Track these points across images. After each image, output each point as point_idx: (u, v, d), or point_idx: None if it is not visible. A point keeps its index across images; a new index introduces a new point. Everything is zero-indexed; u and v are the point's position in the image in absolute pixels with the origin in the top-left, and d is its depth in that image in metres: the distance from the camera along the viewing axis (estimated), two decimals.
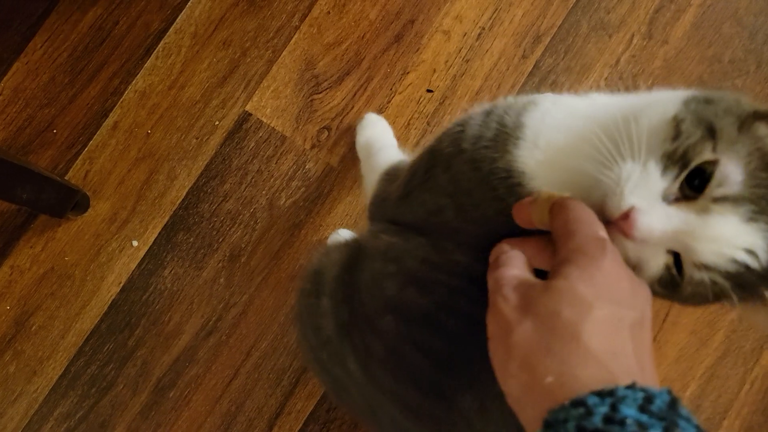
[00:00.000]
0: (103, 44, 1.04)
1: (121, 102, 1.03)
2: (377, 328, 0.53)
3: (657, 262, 0.40)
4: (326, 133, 1.03)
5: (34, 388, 0.99)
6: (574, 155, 0.43)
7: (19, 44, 1.04)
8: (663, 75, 1.07)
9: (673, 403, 0.31)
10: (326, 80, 1.04)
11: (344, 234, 0.98)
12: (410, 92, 1.04)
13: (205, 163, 1.02)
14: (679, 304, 0.43)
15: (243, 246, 1.01)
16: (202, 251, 1.01)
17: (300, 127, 1.03)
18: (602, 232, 0.38)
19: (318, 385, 1.00)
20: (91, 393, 0.99)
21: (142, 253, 1.01)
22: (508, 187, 0.46)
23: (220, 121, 1.03)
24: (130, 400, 0.99)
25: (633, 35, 1.07)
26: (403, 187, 0.58)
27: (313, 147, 1.03)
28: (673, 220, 0.38)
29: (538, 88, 1.05)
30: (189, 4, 1.04)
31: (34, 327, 1.00)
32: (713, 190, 0.37)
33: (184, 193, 1.02)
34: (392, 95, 1.04)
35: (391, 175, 0.69)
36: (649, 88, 1.06)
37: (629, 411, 0.30)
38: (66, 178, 1.01)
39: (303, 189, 1.02)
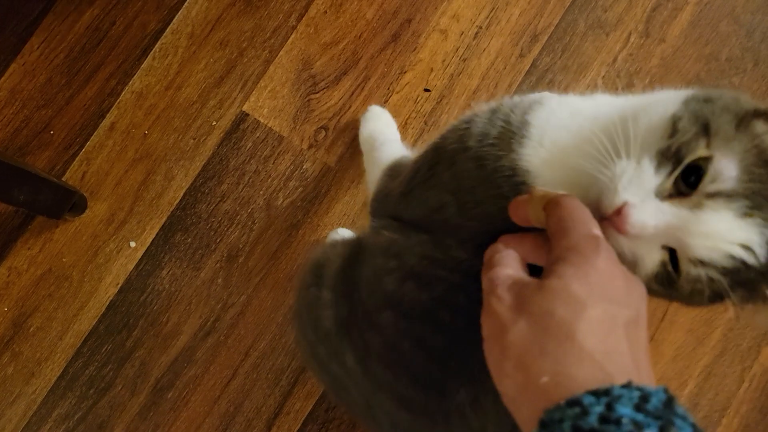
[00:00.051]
0: (99, 45, 1.04)
1: (118, 103, 1.03)
2: (376, 323, 0.54)
3: (652, 259, 0.40)
4: (323, 132, 1.03)
5: (32, 389, 0.99)
6: (576, 154, 0.43)
7: (15, 45, 1.04)
8: (660, 73, 1.07)
9: (669, 401, 0.31)
10: (323, 80, 1.04)
11: (343, 233, 0.98)
12: (407, 91, 1.04)
13: (203, 163, 1.02)
14: (681, 304, 0.43)
15: (241, 246, 1.01)
16: (199, 252, 1.01)
17: (297, 127, 1.03)
18: (596, 230, 0.38)
19: (316, 385, 1.00)
20: (89, 394, 0.99)
21: (139, 254, 1.01)
22: (513, 185, 0.46)
23: (217, 122, 1.03)
24: (129, 400, 0.99)
25: (630, 34, 1.07)
26: (406, 184, 0.58)
27: (310, 147, 1.03)
28: (666, 216, 0.38)
29: (535, 87, 1.05)
30: (186, 4, 1.04)
31: (32, 328, 1.00)
32: (706, 185, 0.37)
33: (182, 194, 1.02)
34: (389, 95, 1.04)
35: (394, 170, 0.69)
36: (647, 86, 1.07)
37: (625, 410, 0.30)
38: (63, 179, 1.01)
39: (300, 189, 1.02)
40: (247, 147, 1.03)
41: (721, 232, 0.37)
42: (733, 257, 0.37)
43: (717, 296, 0.39)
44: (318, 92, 1.04)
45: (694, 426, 0.30)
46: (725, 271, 0.38)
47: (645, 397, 0.30)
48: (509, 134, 0.48)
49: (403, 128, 1.04)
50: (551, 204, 0.39)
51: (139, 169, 1.02)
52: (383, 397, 0.55)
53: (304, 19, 1.05)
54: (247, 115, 1.03)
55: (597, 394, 0.31)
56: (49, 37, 1.04)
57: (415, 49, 1.05)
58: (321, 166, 1.03)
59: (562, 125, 0.47)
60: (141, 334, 1.00)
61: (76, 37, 1.04)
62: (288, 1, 1.05)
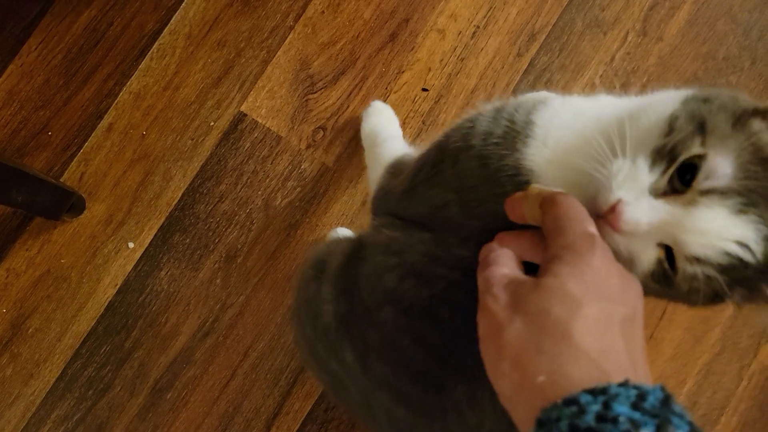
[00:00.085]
0: (97, 46, 1.04)
1: (116, 104, 1.03)
2: (376, 320, 0.54)
3: (648, 257, 0.40)
4: (321, 132, 1.03)
5: (31, 390, 0.99)
6: (577, 154, 0.44)
7: (13, 46, 1.03)
8: (658, 72, 1.07)
9: (667, 399, 0.31)
10: (321, 80, 1.04)
11: (342, 232, 0.98)
12: (405, 91, 1.04)
13: (201, 164, 1.02)
14: (683, 304, 0.43)
15: (239, 247, 1.01)
16: (198, 252, 1.01)
17: (295, 127, 1.03)
18: (592, 228, 0.38)
19: (315, 385, 1.00)
20: (88, 395, 0.99)
21: (138, 255, 1.01)
22: (516, 184, 0.46)
23: (215, 122, 1.03)
24: (128, 401, 0.99)
25: (628, 32, 1.07)
26: (408, 181, 0.58)
27: (308, 147, 1.03)
28: (659, 213, 0.38)
29: (533, 87, 1.05)
30: (183, 5, 1.04)
31: (30, 330, 1.00)
32: (700, 183, 0.38)
33: (180, 195, 1.02)
34: (387, 94, 1.04)
35: (397, 168, 0.69)
36: (644, 85, 1.07)
37: (622, 409, 0.30)
38: (61, 180, 1.01)
39: (299, 189, 1.02)
40: (245, 147, 1.03)
41: (714, 229, 0.37)
42: (729, 254, 0.37)
43: (717, 296, 0.39)
44: (316, 92, 1.04)
45: (691, 424, 0.30)
46: (722, 269, 0.38)
47: (642, 395, 0.30)
48: (513, 133, 0.48)
49: (401, 128, 1.04)
50: (547, 202, 0.39)
51: (137, 170, 1.02)
52: (382, 393, 0.55)
53: (301, 19, 1.05)
54: (245, 115, 1.03)
55: (594, 392, 0.31)
56: (46, 38, 1.04)
57: (412, 49, 1.05)
58: (319, 166, 1.03)
59: (566, 125, 0.47)
60: (140, 334, 1.00)
61: (74, 38, 1.04)
62: (285, 2, 1.05)
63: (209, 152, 1.03)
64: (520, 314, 0.35)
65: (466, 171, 0.50)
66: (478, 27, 1.06)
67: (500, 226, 0.44)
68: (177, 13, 1.04)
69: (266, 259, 1.01)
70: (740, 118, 0.40)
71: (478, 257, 0.42)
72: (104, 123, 1.03)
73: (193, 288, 1.01)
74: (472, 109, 0.57)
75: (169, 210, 1.02)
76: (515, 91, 1.05)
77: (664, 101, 0.43)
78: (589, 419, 0.29)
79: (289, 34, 1.05)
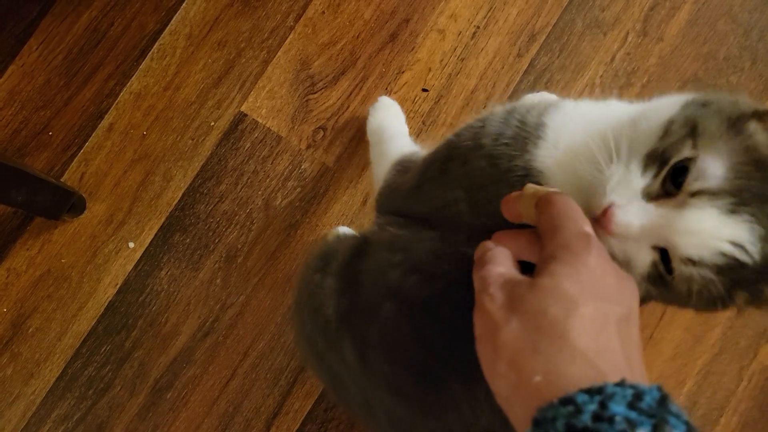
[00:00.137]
0: (98, 46, 1.04)
1: (117, 104, 1.03)
2: (377, 315, 0.54)
3: (643, 259, 0.40)
4: (322, 133, 1.03)
5: (31, 390, 0.99)
6: (582, 158, 0.44)
7: (14, 47, 1.04)
8: (658, 72, 1.07)
9: (663, 399, 0.31)
10: (321, 80, 1.04)
11: (344, 231, 0.98)
12: (405, 91, 1.04)
13: (201, 164, 1.03)
14: (691, 310, 0.43)
15: (239, 247, 1.02)
16: (198, 252, 1.01)
17: (295, 128, 1.03)
18: (588, 228, 0.38)
19: (315, 384, 1.00)
20: (88, 395, 0.99)
21: (138, 255, 1.01)
22: None
23: (215, 122, 1.03)
24: (128, 401, 0.99)
25: (628, 33, 1.07)
26: (417, 178, 0.59)
27: (308, 147, 1.03)
28: (650, 215, 0.39)
29: (533, 87, 1.05)
30: (183, 5, 1.04)
31: (30, 329, 1.00)
32: (690, 184, 0.38)
33: (180, 194, 1.02)
34: (388, 94, 1.04)
35: (403, 166, 0.70)
36: (645, 85, 1.07)
37: (618, 408, 0.30)
38: (62, 180, 1.01)
39: (299, 189, 1.03)
40: (246, 147, 1.03)
41: (705, 229, 0.37)
42: (724, 255, 0.37)
43: (721, 300, 0.39)
44: (316, 92, 1.04)
45: (687, 424, 0.30)
46: (719, 270, 0.38)
47: (638, 395, 0.30)
48: (524, 135, 0.49)
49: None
50: (542, 201, 0.39)
51: (137, 170, 1.02)
52: (380, 389, 0.55)
53: (301, 19, 1.05)
54: (246, 115, 1.03)
55: (590, 392, 0.31)
56: (47, 39, 1.04)
57: (413, 49, 1.05)
58: (319, 166, 1.03)
59: (576, 129, 0.48)
60: (140, 334, 1.00)
61: (75, 38, 1.04)
62: (286, 2, 1.05)
63: (209, 152, 1.03)
64: (517, 314, 0.35)
65: (475, 170, 0.51)
66: (479, 27, 1.06)
67: (508, 225, 0.44)
68: (177, 14, 1.04)
69: (266, 259, 1.01)
70: (738, 121, 0.40)
71: (474, 256, 0.42)
72: (105, 123, 1.03)
73: (193, 288, 1.01)
74: (481, 111, 0.58)
75: (170, 210, 1.02)
76: (515, 92, 1.05)
77: (665, 106, 0.44)
78: (586, 419, 0.29)
79: (289, 34, 1.05)
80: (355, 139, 1.03)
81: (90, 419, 0.99)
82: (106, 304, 1.00)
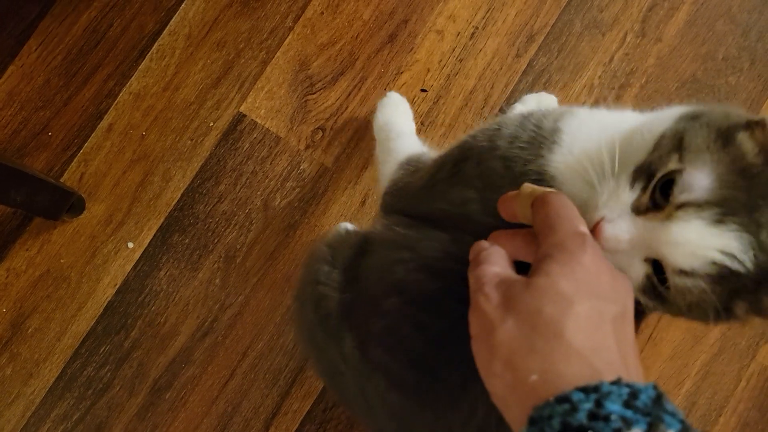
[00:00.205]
0: (97, 47, 1.04)
1: (116, 104, 1.03)
2: (380, 308, 0.55)
3: (636, 272, 0.41)
4: (321, 133, 1.03)
5: (30, 390, 0.99)
6: (588, 168, 0.45)
7: (13, 47, 1.04)
8: (657, 73, 1.07)
9: (659, 398, 0.31)
10: (320, 81, 1.04)
11: (347, 227, 0.98)
12: (404, 92, 1.04)
13: (200, 164, 1.03)
14: (698, 322, 0.43)
15: (238, 247, 1.02)
16: (197, 252, 1.01)
17: (294, 128, 1.04)
18: (582, 227, 0.38)
19: (314, 385, 1.00)
20: (87, 395, 0.99)
21: (137, 255, 1.01)
22: None
23: (214, 123, 1.03)
24: (127, 401, 0.99)
25: (626, 33, 1.07)
26: (428, 178, 0.59)
27: (307, 147, 1.03)
28: (639, 229, 0.39)
29: (531, 88, 1.05)
30: (183, 5, 1.05)
31: (30, 329, 1.00)
32: (676, 197, 0.39)
33: (179, 195, 1.02)
34: (384, 96, 1.04)
35: (412, 165, 0.70)
36: (643, 86, 1.07)
37: (614, 407, 0.30)
38: (61, 180, 1.02)
39: (298, 190, 1.03)
40: (245, 148, 1.03)
41: (691, 240, 0.38)
42: (715, 264, 0.37)
43: (720, 311, 0.39)
44: (315, 93, 1.04)
45: (683, 422, 0.30)
46: (713, 280, 0.38)
47: (634, 393, 0.31)
48: (540, 139, 0.50)
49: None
50: (538, 201, 0.40)
51: (136, 170, 1.02)
52: (378, 377, 0.56)
53: (300, 20, 1.05)
54: (245, 116, 1.04)
55: (586, 390, 0.31)
56: (46, 39, 1.04)
57: (411, 50, 1.05)
58: (318, 166, 1.03)
59: (590, 137, 0.48)
60: (139, 334, 1.00)
61: (74, 39, 1.04)
62: (285, 2, 1.05)
63: (208, 153, 1.03)
64: (512, 314, 0.35)
65: (489, 171, 0.51)
66: (477, 28, 1.06)
67: (518, 227, 0.45)
68: (176, 14, 1.05)
69: (265, 260, 1.02)
70: (728, 132, 0.40)
71: (468, 255, 0.42)
72: (104, 123, 1.03)
73: (192, 288, 1.01)
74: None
75: (169, 210, 1.02)
76: (514, 92, 1.05)
77: (660, 120, 0.44)
78: (581, 417, 0.29)
79: (288, 34, 1.05)
80: (354, 139, 1.03)
81: (89, 419, 0.99)
82: (105, 304, 1.01)
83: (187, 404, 0.99)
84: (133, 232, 1.01)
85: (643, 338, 1.03)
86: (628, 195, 0.41)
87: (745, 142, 0.40)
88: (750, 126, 0.40)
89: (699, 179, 0.38)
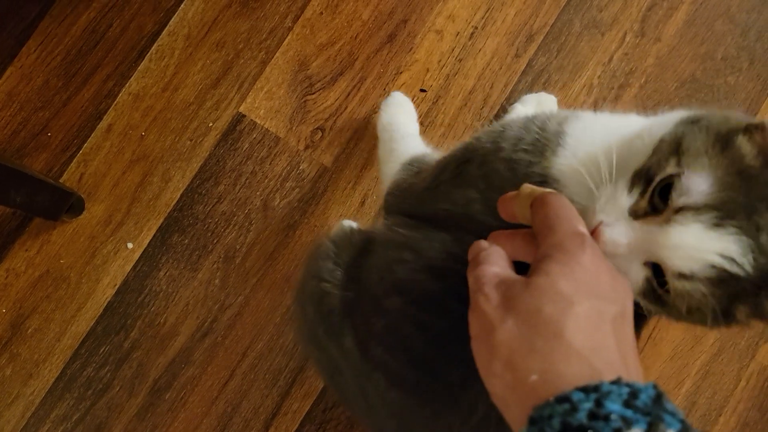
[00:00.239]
0: (96, 47, 1.04)
1: (115, 104, 1.03)
2: (382, 307, 0.55)
3: (636, 276, 0.41)
4: (320, 133, 1.03)
5: (30, 390, 0.99)
6: (585, 173, 0.45)
7: (12, 48, 1.04)
8: (656, 73, 1.07)
9: (659, 397, 0.31)
10: (319, 81, 1.04)
11: (351, 225, 0.98)
12: (404, 92, 1.04)
13: (199, 164, 1.03)
14: (699, 326, 0.43)
15: (238, 247, 1.02)
16: (197, 253, 1.01)
17: (294, 128, 1.04)
18: (581, 227, 0.38)
19: (314, 385, 1.00)
20: (87, 395, 0.99)
21: (137, 255, 1.01)
22: None
23: (213, 123, 1.03)
24: (127, 402, 0.99)
25: (625, 33, 1.07)
26: (432, 179, 0.60)
27: (306, 148, 1.03)
28: (636, 233, 0.40)
29: (531, 88, 1.05)
30: (182, 6, 1.05)
31: (29, 330, 1.00)
32: (674, 200, 0.39)
33: (179, 195, 1.02)
34: (386, 95, 1.04)
35: (415, 166, 0.70)
36: (642, 86, 1.07)
37: (614, 406, 0.30)
38: (61, 180, 1.01)
39: (297, 190, 1.03)
40: (244, 148, 1.03)
41: (690, 244, 0.38)
42: (714, 267, 0.37)
43: (721, 315, 0.39)
44: (314, 93, 1.04)
45: (683, 422, 0.30)
46: (713, 283, 0.38)
47: (634, 393, 0.31)
48: (544, 141, 0.50)
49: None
50: (537, 201, 0.40)
51: (136, 171, 1.02)
52: (378, 375, 0.56)
53: (300, 20, 1.05)
54: (244, 116, 1.03)
55: (586, 390, 0.31)
56: (46, 40, 1.04)
57: (411, 50, 1.05)
58: (317, 166, 1.03)
59: (593, 141, 0.49)
60: (138, 335, 1.00)
61: (73, 39, 1.04)
62: (284, 3, 1.05)
63: (208, 153, 1.03)
64: (512, 314, 0.35)
65: (493, 173, 0.52)
66: (476, 28, 1.06)
67: (520, 227, 0.45)
68: (176, 15, 1.05)
69: (265, 260, 1.02)
70: (728, 136, 0.40)
71: (467, 256, 0.42)
72: (103, 124, 1.03)
73: (192, 288, 1.01)
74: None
75: (168, 210, 1.02)
76: (513, 92, 1.05)
77: (660, 124, 0.44)
78: (581, 417, 0.29)
79: (287, 35, 1.05)
80: (353, 139, 1.03)
81: (89, 420, 0.99)
82: (104, 304, 1.01)
83: (187, 405, 0.99)
84: (132, 232, 1.01)
85: (643, 338, 1.03)
86: (625, 199, 0.41)
87: (744, 145, 0.40)
88: (750, 130, 0.40)
89: (697, 183, 0.38)
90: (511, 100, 1.05)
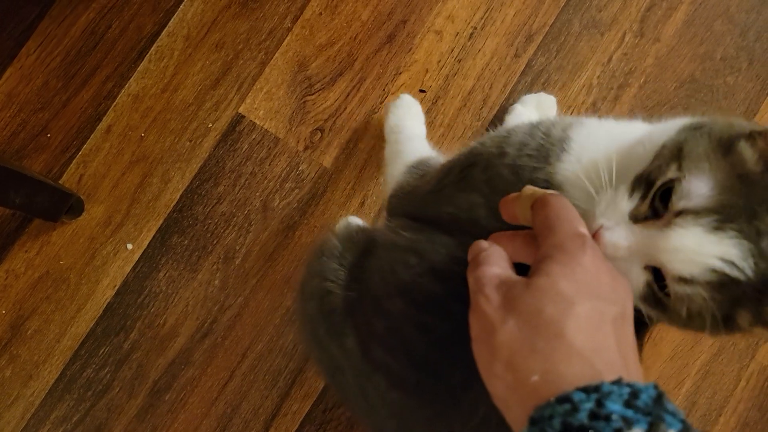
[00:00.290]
0: (96, 48, 1.04)
1: (115, 105, 1.03)
2: (384, 309, 0.55)
3: (637, 279, 0.41)
4: (319, 134, 1.03)
5: (30, 392, 0.99)
6: (585, 179, 0.45)
7: (12, 49, 1.04)
8: (655, 73, 1.07)
9: (659, 397, 0.31)
10: (319, 81, 1.04)
11: (357, 222, 0.98)
12: (403, 92, 1.04)
13: (199, 165, 1.03)
14: (700, 332, 0.43)
15: (237, 248, 1.02)
16: (196, 254, 1.01)
17: (293, 129, 1.04)
18: (582, 229, 0.38)
19: (314, 386, 1.00)
20: (87, 396, 0.99)
21: (136, 256, 1.01)
22: None
23: (213, 124, 1.03)
24: (126, 403, 0.99)
25: (625, 33, 1.07)
26: (436, 183, 0.60)
27: (306, 148, 1.03)
28: (637, 236, 0.40)
29: (530, 88, 1.05)
30: (181, 6, 1.05)
31: (29, 331, 1.00)
32: (675, 204, 0.39)
33: (178, 196, 1.02)
34: (385, 96, 1.04)
35: (420, 169, 0.71)
36: (642, 86, 1.07)
37: (615, 406, 0.30)
38: (60, 182, 1.01)
39: (297, 191, 1.03)
40: (243, 149, 1.03)
41: (689, 247, 0.38)
42: (714, 271, 0.37)
43: (721, 321, 0.39)
44: (314, 94, 1.04)
45: (683, 422, 0.30)
46: (714, 288, 0.38)
47: (635, 393, 0.31)
48: (548, 147, 0.50)
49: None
50: (538, 203, 0.40)
51: (135, 172, 1.02)
52: (378, 376, 0.56)
53: (299, 20, 1.05)
54: (243, 117, 1.03)
55: (587, 390, 0.31)
56: (45, 41, 1.04)
57: (410, 50, 1.05)
58: (317, 167, 1.03)
59: (598, 147, 0.49)
60: (138, 336, 1.00)
61: (73, 40, 1.04)
62: (283, 3, 1.05)
63: (207, 154, 1.03)
64: (513, 315, 0.35)
65: (497, 177, 0.52)
66: (476, 28, 1.06)
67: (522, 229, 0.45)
68: (175, 15, 1.05)
69: (264, 261, 1.02)
70: (730, 142, 0.41)
71: (467, 256, 0.42)
72: (103, 125, 1.03)
73: (192, 289, 1.01)
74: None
75: (168, 211, 1.02)
76: (512, 93, 1.05)
77: (662, 131, 0.45)
78: (582, 417, 0.29)
79: (286, 35, 1.05)
80: (353, 140, 1.03)
81: (89, 421, 0.99)
82: (104, 305, 1.00)
83: (187, 406, 0.99)
84: (132, 233, 1.01)
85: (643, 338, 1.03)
86: (626, 204, 0.41)
87: (746, 150, 0.40)
88: (752, 135, 0.40)
89: (698, 187, 0.38)
90: (510, 100, 1.05)
